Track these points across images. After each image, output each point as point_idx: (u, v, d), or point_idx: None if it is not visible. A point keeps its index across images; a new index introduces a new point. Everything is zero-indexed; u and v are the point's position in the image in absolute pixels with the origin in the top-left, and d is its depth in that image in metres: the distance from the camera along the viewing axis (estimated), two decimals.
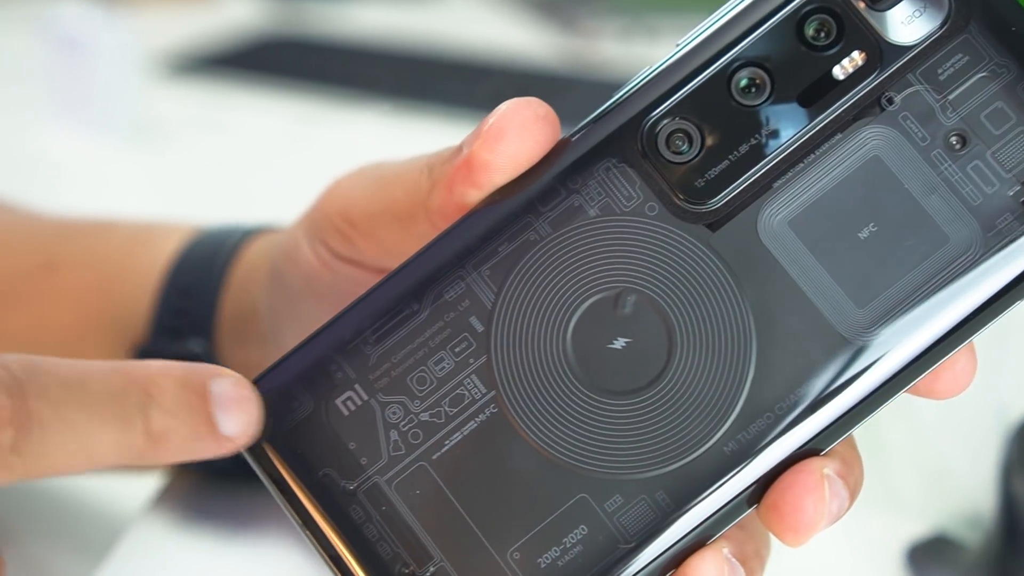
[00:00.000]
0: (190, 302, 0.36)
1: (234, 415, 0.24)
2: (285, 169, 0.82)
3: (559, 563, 0.24)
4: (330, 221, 0.30)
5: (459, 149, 0.25)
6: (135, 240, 0.39)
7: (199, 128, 0.91)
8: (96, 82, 0.86)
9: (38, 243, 0.39)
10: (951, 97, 0.24)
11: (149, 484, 0.40)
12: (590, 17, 1.20)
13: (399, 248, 0.28)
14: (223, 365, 0.35)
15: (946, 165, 0.24)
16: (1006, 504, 0.38)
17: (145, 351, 0.36)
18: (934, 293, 0.24)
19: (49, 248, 0.39)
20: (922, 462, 0.45)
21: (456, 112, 0.87)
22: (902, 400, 0.48)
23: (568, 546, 0.24)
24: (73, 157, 0.85)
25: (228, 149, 0.86)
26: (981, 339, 0.41)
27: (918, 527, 0.42)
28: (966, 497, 0.42)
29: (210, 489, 0.38)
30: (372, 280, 0.28)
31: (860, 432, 0.49)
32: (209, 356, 0.36)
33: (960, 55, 0.24)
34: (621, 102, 0.25)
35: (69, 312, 0.37)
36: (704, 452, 0.24)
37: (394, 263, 0.28)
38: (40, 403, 0.21)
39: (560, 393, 0.24)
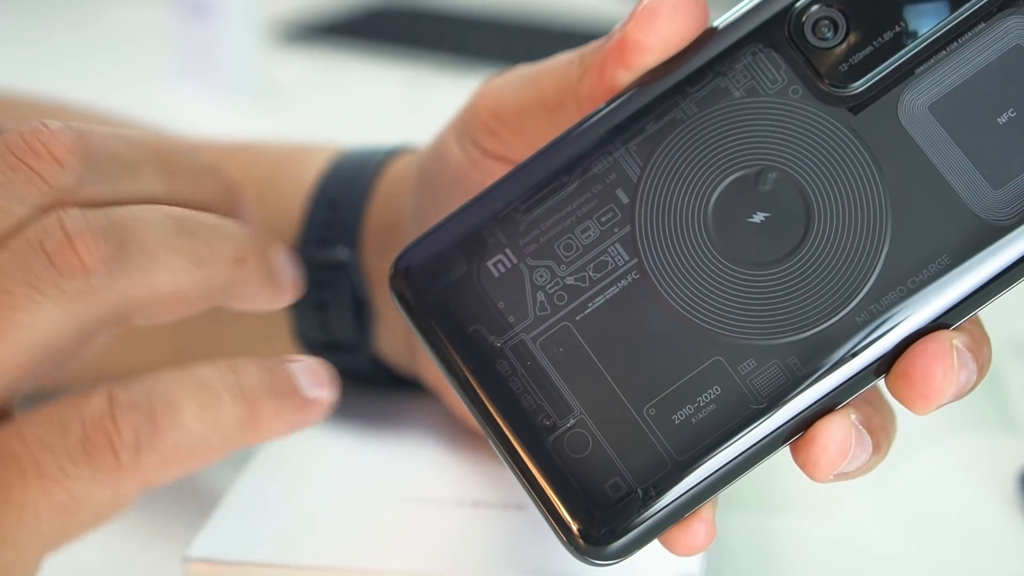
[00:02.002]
0: (337, 213, 0.38)
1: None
2: (396, 130, 0.84)
3: (692, 420, 0.25)
4: (480, 119, 0.31)
5: (611, 35, 0.27)
6: (286, 158, 0.41)
7: (316, 91, 0.94)
8: (222, 46, 0.89)
9: None
10: None
11: None
12: None
13: (544, 139, 0.30)
14: (367, 273, 0.38)
15: None
16: None
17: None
18: None
19: None
20: None
21: None
22: (1018, 341, 0.49)
23: (701, 405, 0.25)
24: (199, 117, 0.88)
25: (343, 111, 0.89)
26: None
27: None
28: None
29: (350, 395, 0.40)
30: None
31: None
32: (354, 264, 0.38)
33: None
34: None
35: None
36: (836, 321, 0.25)
37: None
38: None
39: (699, 262, 0.26)
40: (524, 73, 0.31)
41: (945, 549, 0.39)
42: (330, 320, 0.38)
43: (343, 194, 0.38)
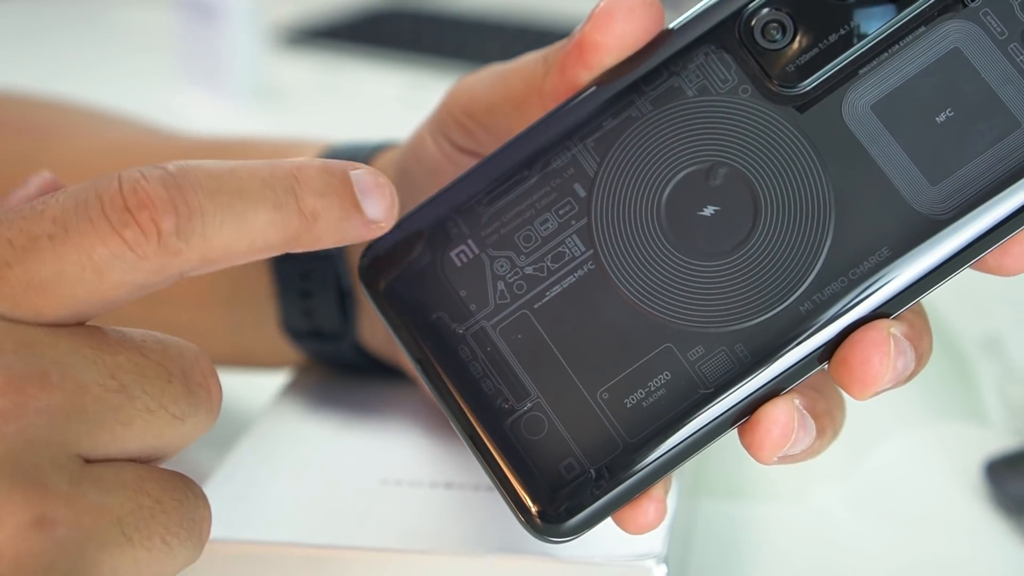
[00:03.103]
0: None
1: (376, 199, 0.25)
2: (397, 133, 0.85)
3: (643, 404, 0.27)
4: (453, 116, 0.33)
5: (572, 35, 0.28)
6: (276, 153, 0.42)
7: (319, 94, 0.96)
8: (225, 49, 0.91)
9: (189, 155, 0.43)
10: None
11: (277, 380, 0.44)
12: None
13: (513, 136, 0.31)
14: (352, 264, 0.39)
15: (1021, 57, 0.26)
16: None
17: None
18: (1004, 173, 0.26)
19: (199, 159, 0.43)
20: (1008, 389, 0.47)
21: None
22: (992, 337, 0.50)
23: (652, 389, 0.27)
24: (202, 119, 0.90)
25: (344, 114, 0.91)
26: None
27: (1000, 443, 0.44)
28: None
29: (336, 382, 0.41)
30: None
31: (950, 358, 0.51)
32: (341, 258, 0.39)
33: None
34: None
35: None
36: (781, 310, 0.27)
37: None
38: (196, 192, 0.23)
39: (652, 253, 0.27)
40: (495, 71, 0.32)
41: (912, 536, 0.40)
42: (315, 309, 0.39)
43: None
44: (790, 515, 0.41)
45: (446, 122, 0.33)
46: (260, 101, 0.92)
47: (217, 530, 0.33)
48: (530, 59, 0.30)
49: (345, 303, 0.39)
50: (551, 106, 0.29)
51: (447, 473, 0.35)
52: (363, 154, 0.41)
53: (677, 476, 0.36)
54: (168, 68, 0.96)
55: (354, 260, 0.39)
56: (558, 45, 0.29)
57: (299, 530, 0.33)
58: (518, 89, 0.30)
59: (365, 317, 0.39)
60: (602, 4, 0.28)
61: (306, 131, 0.86)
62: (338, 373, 0.42)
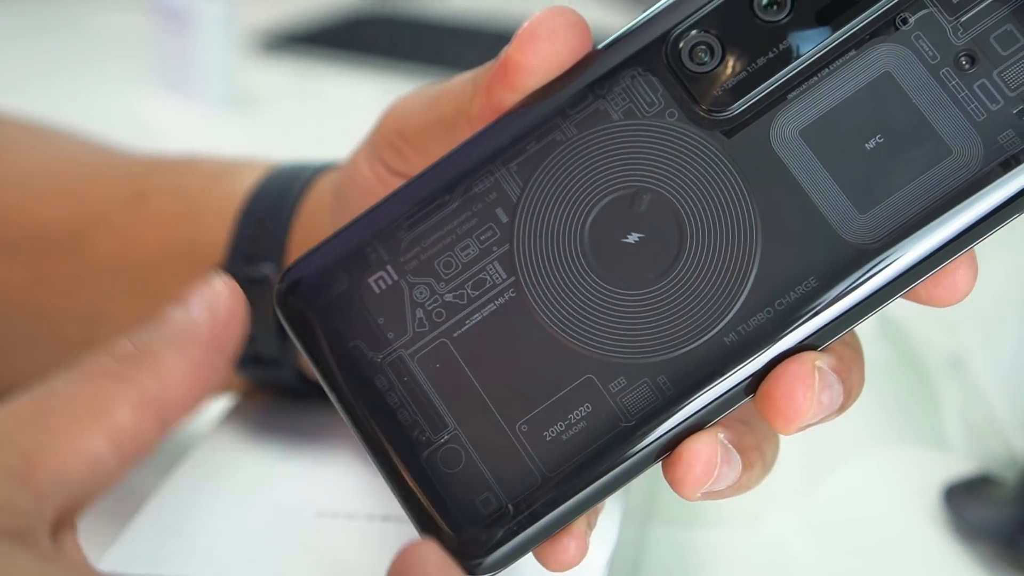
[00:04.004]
0: (264, 229, 0.39)
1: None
2: None
3: (563, 437, 0.26)
4: (386, 139, 0.32)
5: (498, 56, 0.28)
6: (219, 173, 0.41)
7: (294, 101, 0.95)
8: (198, 55, 0.90)
9: (131, 175, 0.43)
10: (963, 19, 0.26)
11: (216, 407, 0.43)
12: None
13: None
14: None
15: (954, 83, 0.26)
16: None
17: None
18: (934, 202, 0.25)
19: (140, 180, 0.42)
20: (970, 411, 0.46)
21: None
22: (956, 356, 0.49)
23: (572, 422, 0.26)
24: (175, 125, 0.89)
25: (319, 119, 0.90)
26: (1019, 294, 0.42)
27: (961, 468, 0.43)
28: (1006, 440, 0.43)
29: (277, 408, 0.41)
30: None
31: (913, 378, 0.51)
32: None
33: None
34: (651, 16, 0.27)
35: (156, 239, 0.40)
36: (705, 341, 0.26)
37: None
38: None
39: (574, 281, 0.26)
40: (427, 93, 0.31)
41: (869, 563, 0.39)
42: (254, 335, 0.38)
43: (270, 210, 0.39)
44: (744, 542, 0.41)
45: (379, 144, 0.32)
46: (234, 108, 0.91)
47: (146, 566, 0.32)
48: (460, 80, 0.30)
49: (284, 329, 0.38)
50: (477, 126, 0.28)
51: (385, 505, 0.35)
52: (305, 175, 0.40)
53: (625, 500, 0.35)
54: (143, 73, 0.95)
55: None
56: (486, 66, 0.29)
57: (229, 566, 0.32)
58: (448, 111, 0.30)
59: None
60: (526, 25, 0.27)
61: (279, 138, 0.86)
62: (282, 399, 0.41)
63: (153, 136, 0.86)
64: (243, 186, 0.40)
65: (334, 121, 0.89)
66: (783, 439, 0.29)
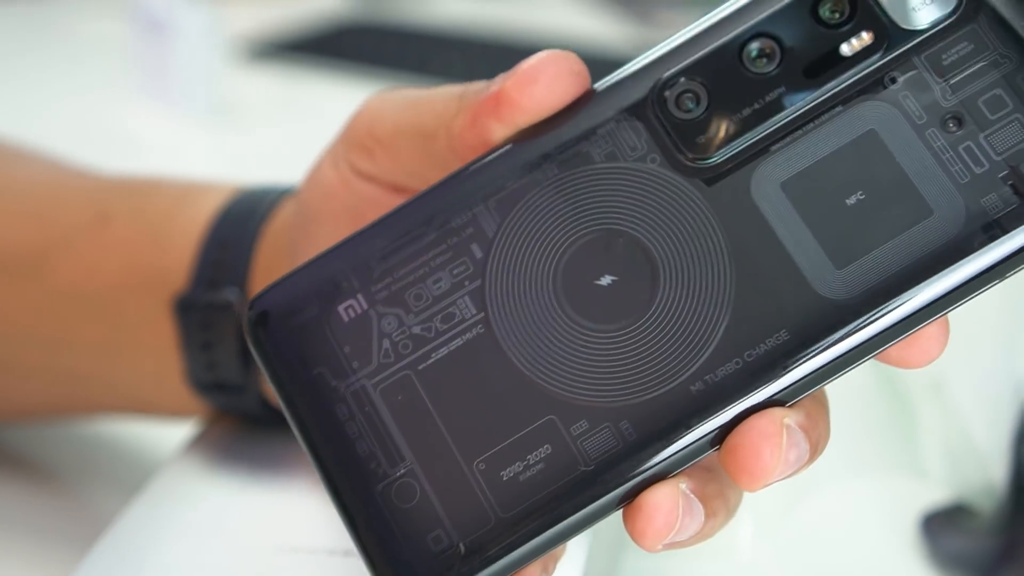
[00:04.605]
0: (227, 254, 0.38)
1: None
2: None
3: (520, 477, 0.25)
4: (356, 136, 0.31)
5: (492, 82, 0.27)
6: (183, 197, 0.41)
7: (277, 110, 0.94)
8: (181, 63, 0.90)
9: (93, 197, 0.42)
10: (952, 81, 0.25)
11: (184, 431, 0.42)
12: (665, 8, 1.21)
13: (414, 166, 0.30)
14: None
15: (939, 144, 0.25)
16: (1017, 471, 0.39)
17: (183, 301, 0.38)
18: (913, 263, 0.25)
19: (103, 202, 0.41)
20: (949, 436, 0.45)
21: None
22: (935, 379, 0.49)
23: (531, 463, 0.25)
24: (156, 135, 0.88)
25: (302, 131, 0.89)
26: (1000, 316, 0.41)
27: (938, 496, 0.42)
28: (984, 467, 0.42)
29: (243, 436, 0.40)
30: (386, 198, 0.31)
31: (893, 402, 0.50)
32: (243, 305, 0.38)
33: (966, 43, 0.25)
34: (641, 61, 0.27)
35: (118, 263, 0.40)
36: (671, 389, 0.25)
37: (408, 180, 0.30)
38: None
39: (543, 320, 0.26)
40: (408, 95, 0.30)
41: None
42: (217, 361, 0.38)
43: (234, 234, 0.38)
44: (719, 571, 0.40)
45: (348, 144, 0.32)
46: (217, 117, 0.90)
47: None
48: (447, 92, 0.29)
49: (248, 354, 0.37)
50: (456, 146, 0.28)
51: (344, 540, 0.34)
52: (270, 198, 0.39)
53: (597, 528, 0.34)
54: (126, 82, 0.95)
55: None
56: (476, 87, 0.28)
57: None
58: (428, 120, 0.29)
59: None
60: (530, 63, 0.26)
61: (262, 148, 0.85)
62: (246, 426, 0.40)
63: (135, 148, 0.86)
64: (207, 210, 0.39)
65: (319, 130, 0.89)
66: None
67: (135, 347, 0.39)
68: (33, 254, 0.41)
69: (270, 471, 0.38)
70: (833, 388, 0.26)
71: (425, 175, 0.29)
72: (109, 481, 0.44)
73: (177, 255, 0.39)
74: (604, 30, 1.18)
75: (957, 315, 0.26)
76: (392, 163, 0.31)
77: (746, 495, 0.28)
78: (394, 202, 0.29)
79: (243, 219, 0.39)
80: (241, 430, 0.40)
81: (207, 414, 0.40)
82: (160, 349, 0.39)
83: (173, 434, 0.43)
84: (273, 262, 0.37)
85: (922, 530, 0.40)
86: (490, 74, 0.32)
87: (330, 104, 0.96)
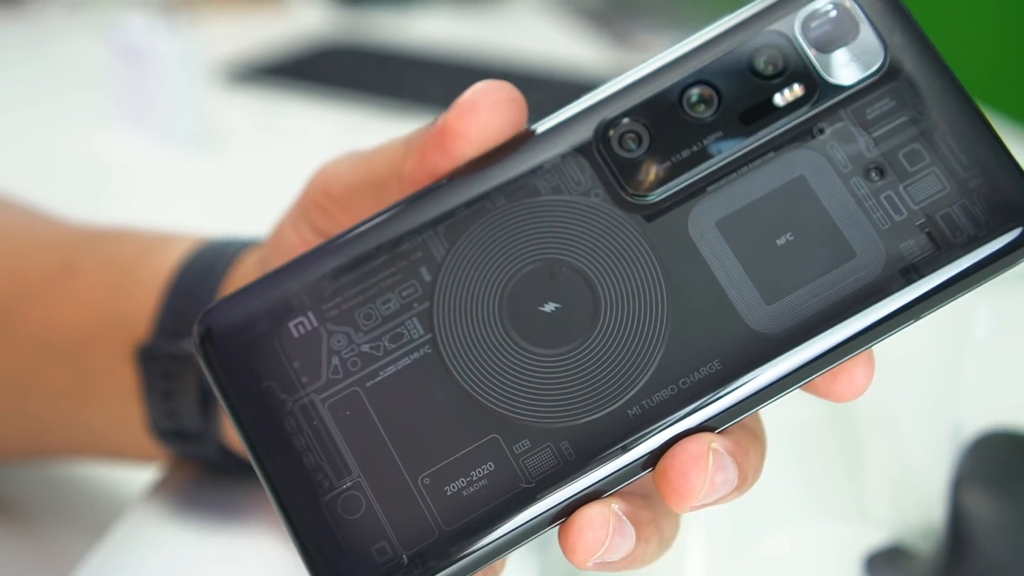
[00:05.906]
0: (189, 304, 0.39)
1: None
2: None
3: (463, 492, 0.26)
4: (314, 199, 0.32)
5: (434, 121, 0.29)
6: (148, 247, 0.42)
7: (257, 133, 0.95)
8: (158, 90, 0.90)
9: (60, 246, 0.43)
10: (875, 134, 0.27)
11: (147, 475, 0.43)
12: (644, 31, 1.22)
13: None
14: None
15: (863, 192, 0.27)
16: (954, 516, 0.40)
17: (145, 350, 0.39)
18: (836, 300, 0.26)
19: (70, 251, 0.42)
20: (895, 476, 0.46)
21: None
22: (884, 419, 0.50)
23: (474, 479, 0.26)
24: (135, 162, 0.89)
25: (281, 154, 0.90)
26: (942, 362, 0.43)
27: (881, 536, 0.43)
28: (926, 509, 0.44)
29: (205, 481, 0.41)
30: None
31: (842, 438, 0.51)
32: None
33: (888, 99, 0.27)
34: (588, 100, 0.28)
35: (84, 312, 0.41)
36: (609, 412, 0.27)
37: None
38: None
39: (488, 342, 0.27)
40: (359, 153, 0.32)
41: None
42: (178, 410, 0.39)
43: (196, 285, 0.39)
44: None
45: (307, 206, 0.33)
46: (196, 144, 0.91)
47: None
48: (394, 141, 0.31)
49: (207, 403, 0.39)
50: (409, 189, 0.29)
51: None
52: (231, 249, 0.40)
53: (543, 561, 0.35)
54: (104, 107, 0.95)
55: None
56: (421, 130, 0.29)
57: None
58: (380, 171, 0.30)
59: (226, 418, 0.39)
60: (467, 94, 0.28)
61: (241, 174, 0.86)
62: (208, 472, 0.41)
63: (114, 175, 0.87)
64: (171, 260, 0.41)
65: (298, 153, 0.90)
66: (712, 509, 0.29)
67: (100, 394, 0.40)
68: (1, 302, 0.42)
69: (231, 517, 0.39)
70: (789, 427, 0.27)
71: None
72: (75, 521, 0.45)
73: (141, 304, 0.40)
74: (582, 53, 1.20)
75: (903, 356, 0.27)
76: (350, 218, 0.32)
77: (697, 536, 0.29)
78: None
79: (205, 270, 0.40)
80: (203, 475, 0.41)
81: (171, 459, 0.41)
82: (124, 396, 0.40)
83: (139, 476, 0.44)
84: None
85: (865, 571, 0.41)
86: None
87: (309, 127, 0.97)
